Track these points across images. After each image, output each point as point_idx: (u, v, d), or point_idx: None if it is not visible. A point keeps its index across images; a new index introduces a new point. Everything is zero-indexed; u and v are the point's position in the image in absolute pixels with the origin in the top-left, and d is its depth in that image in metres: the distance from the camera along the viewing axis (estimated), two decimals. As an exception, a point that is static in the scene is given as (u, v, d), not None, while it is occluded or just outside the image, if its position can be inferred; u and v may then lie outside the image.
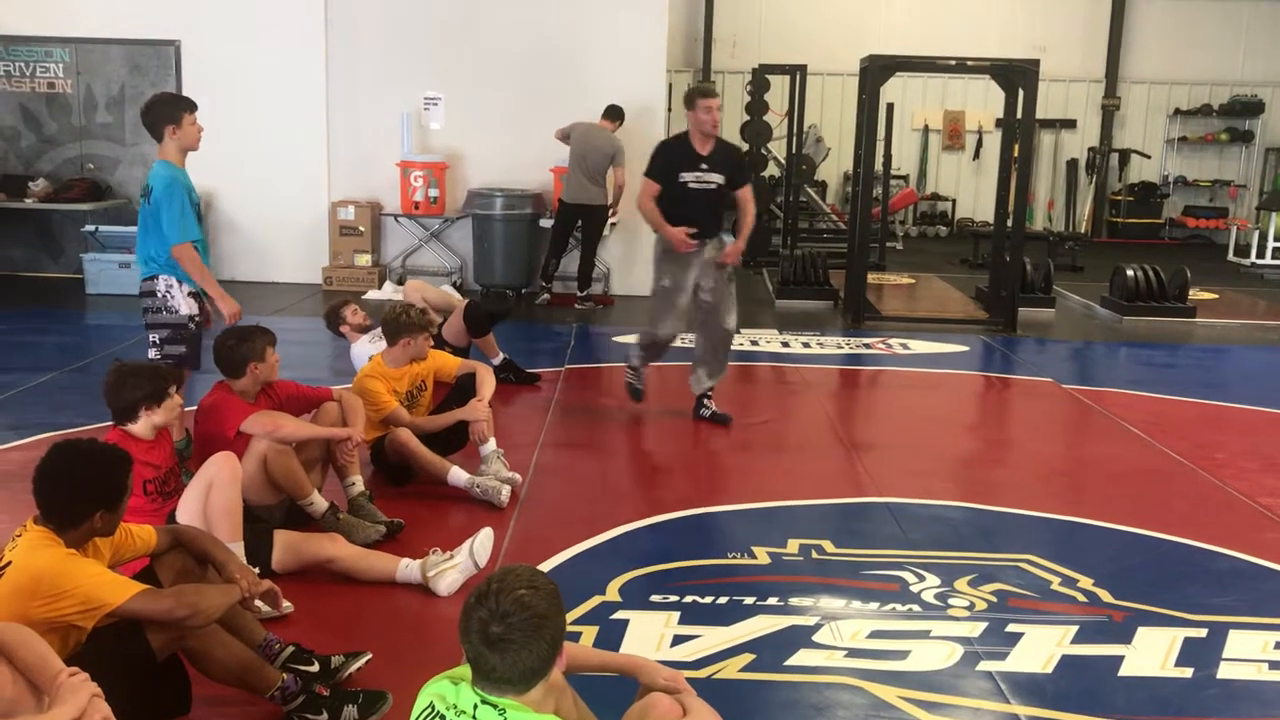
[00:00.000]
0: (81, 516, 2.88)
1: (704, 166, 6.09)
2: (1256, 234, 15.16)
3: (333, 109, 10.89)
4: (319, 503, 4.43)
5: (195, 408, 4.49)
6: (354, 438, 4.62)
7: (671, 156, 6.15)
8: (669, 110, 14.24)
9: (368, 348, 6.39)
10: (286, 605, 3.62)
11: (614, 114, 10.12)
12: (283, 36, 10.69)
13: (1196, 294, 11.25)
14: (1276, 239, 14.87)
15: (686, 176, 6.07)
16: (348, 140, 10.91)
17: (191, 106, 5.07)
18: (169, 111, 5.02)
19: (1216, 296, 11.90)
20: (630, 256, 11.07)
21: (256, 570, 3.41)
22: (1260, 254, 14.88)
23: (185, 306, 5.09)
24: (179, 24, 10.71)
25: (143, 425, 3.83)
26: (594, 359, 8.10)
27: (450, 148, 10.89)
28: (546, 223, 10.68)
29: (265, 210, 10.97)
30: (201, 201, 10.92)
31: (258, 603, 3.22)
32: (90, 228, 10.53)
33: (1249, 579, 4.45)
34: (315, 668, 3.31)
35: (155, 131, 5.03)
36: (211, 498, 3.82)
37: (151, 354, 5.08)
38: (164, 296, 5.06)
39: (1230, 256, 15.43)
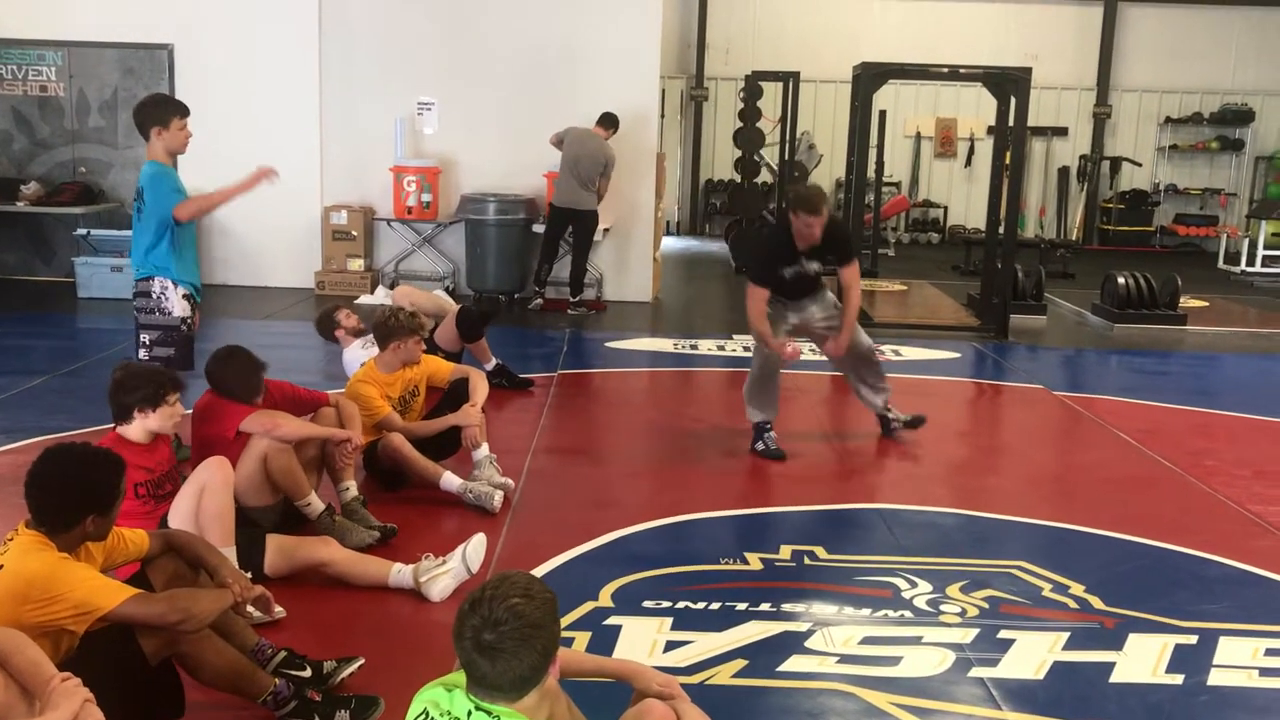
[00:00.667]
0: (73, 520, 2.88)
1: (803, 260, 5.99)
2: (1246, 242, 15.22)
3: (326, 113, 10.89)
4: (316, 504, 4.42)
5: (190, 411, 4.49)
6: (354, 439, 4.62)
7: (774, 261, 6.00)
8: (662, 117, 14.28)
9: (360, 353, 6.39)
10: (279, 610, 3.61)
11: (609, 122, 10.12)
12: (276, 41, 10.69)
13: (1187, 302, 11.29)
14: (1267, 247, 14.94)
15: (787, 271, 6.00)
16: (341, 145, 10.91)
17: (183, 111, 5.08)
18: (158, 113, 5.02)
19: (1207, 304, 11.95)
20: (623, 262, 11.08)
21: (249, 575, 3.40)
22: (1250, 262, 14.94)
23: (179, 309, 5.10)
24: (172, 27, 10.70)
25: (137, 428, 3.82)
26: (587, 364, 8.10)
27: (443, 153, 10.89)
28: (539, 228, 10.68)
29: (258, 214, 10.88)
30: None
31: (250, 608, 3.21)
32: (82, 231, 10.51)
33: (1239, 586, 4.47)
34: (308, 673, 3.30)
35: (143, 131, 5.04)
36: (204, 502, 3.81)
37: (141, 354, 5.09)
38: (158, 298, 5.06)
39: (1221, 264, 15.49)
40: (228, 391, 4.37)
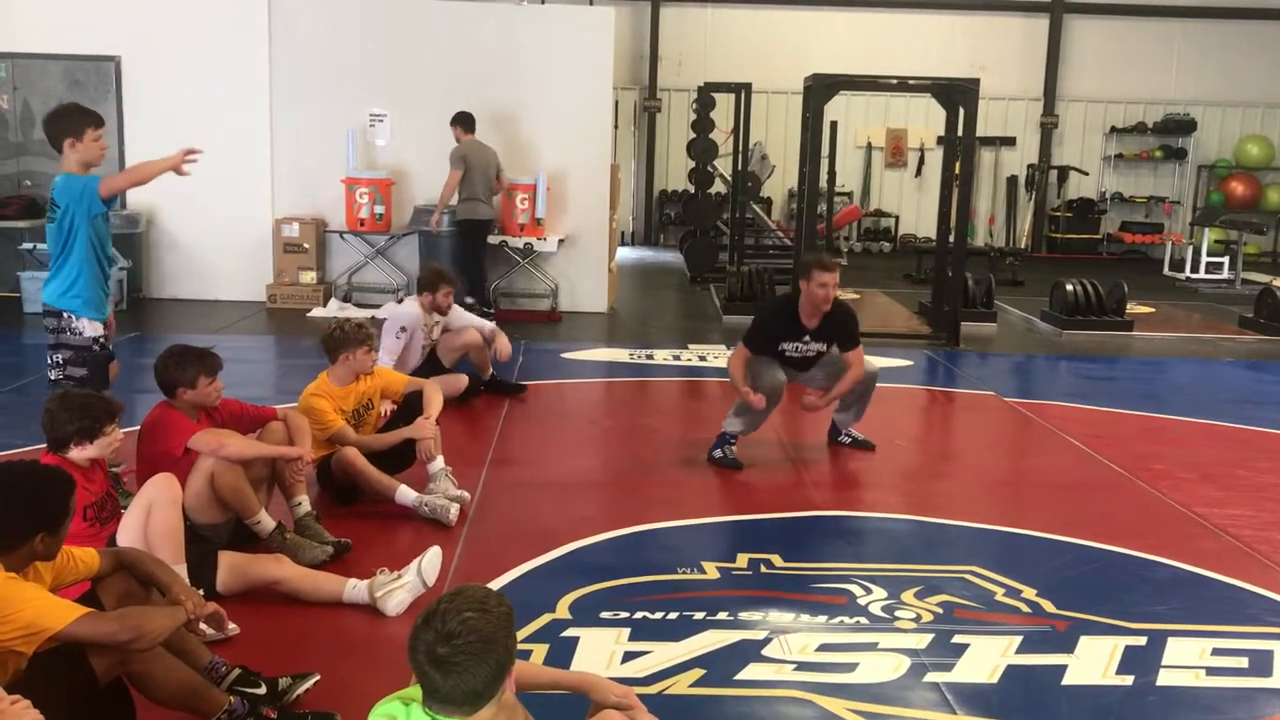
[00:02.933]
0: (21, 539, 2.83)
1: (807, 339, 5.92)
2: (1190, 249, 15.51)
3: (277, 125, 10.81)
4: (267, 522, 4.38)
5: (138, 427, 4.44)
6: (304, 457, 4.58)
7: (776, 332, 5.94)
8: (615, 128, 14.32)
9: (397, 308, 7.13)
10: (232, 627, 3.57)
11: (469, 122, 10.16)
12: (225, 52, 10.61)
13: (1134, 308, 11.47)
14: (1210, 254, 15.23)
15: (787, 347, 5.91)
16: (292, 156, 10.83)
17: (97, 122, 4.91)
18: (71, 124, 4.85)
19: (1153, 310, 12.15)
20: (578, 273, 11.08)
21: (201, 592, 3.37)
22: (1195, 269, 15.23)
23: (89, 329, 4.97)
24: (119, 39, 10.58)
25: (75, 455, 3.74)
26: (543, 375, 8.09)
27: (396, 164, 10.86)
28: (495, 239, 10.67)
29: (208, 228, 10.85)
30: (142, 218, 10.79)
31: (203, 625, 3.18)
32: (27, 246, 10.34)
33: (1187, 587, 4.55)
34: (262, 690, 3.27)
35: (55, 143, 4.87)
36: (152, 519, 3.77)
37: (53, 374, 4.96)
38: (68, 319, 4.94)
39: (1166, 271, 15.77)
40: (165, 385, 4.33)
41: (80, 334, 4.96)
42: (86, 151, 4.87)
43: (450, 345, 7.18)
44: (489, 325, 7.41)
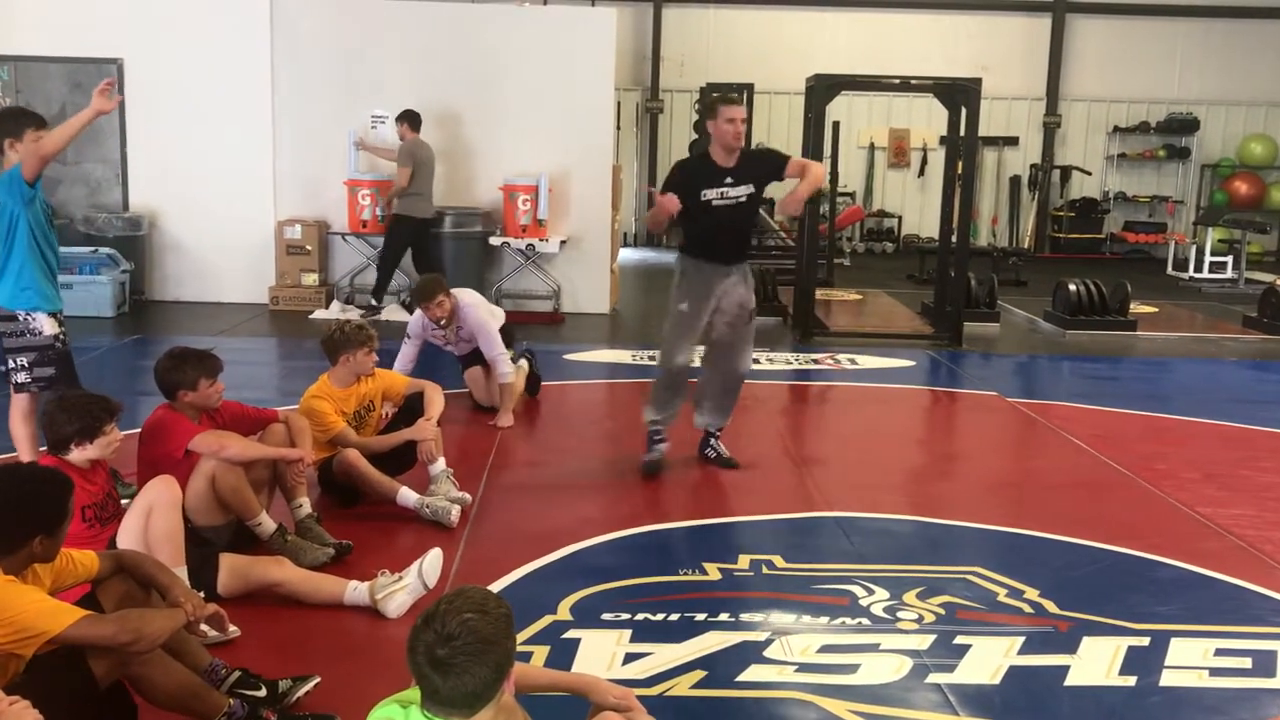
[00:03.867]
0: (20, 542, 2.83)
1: (729, 180, 5.49)
2: (1194, 248, 15.49)
3: (279, 127, 10.81)
4: (267, 524, 4.38)
5: (130, 432, 4.44)
6: (305, 458, 4.58)
7: (690, 171, 5.61)
8: (617, 129, 14.31)
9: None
10: (233, 629, 3.57)
11: (416, 120, 10.15)
12: (228, 54, 10.61)
13: (1137, 308, 11.46)
14: (1213, 253, 15.21)
15: (710, 194, 5.47)
16: (294, 158, 10.83)
17: (39, 123, 4.88)
18: (11, 125, 4.83)
19: (1156, 310, 12.13)
20: (580, 274, 11.08)
21: (202, 594, 3.36)
22: (1198, 268, 15.20)
23: (48, 326, 4.94)
24: (121, 42, 10.58)
25: (75, 457, 3.75)
26: (544, 377, 8.07)
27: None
28: (496, 240, 10.67)
29: (210, 230, 10.85)
30: (144, 220, 10.80)
31: (203, 627, 3.17)
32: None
33: (1190, 587, 4.53)
34: (262, 692, 3.27)
35: None
36: (152, 522, 3.76)
37: (20, 378, 4.92)
38: (25, 319, 4.91)
39: (1169, 270, 15.74)
40: (165, 388, 4.32)
41: (40, 333, 4.93)
42: (26, 152, 4.79)
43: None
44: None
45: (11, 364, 4.97)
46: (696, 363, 5.96)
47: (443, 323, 6.73)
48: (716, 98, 5.60)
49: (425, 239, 10.22)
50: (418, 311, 6.80)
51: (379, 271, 10.37)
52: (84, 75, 10.75)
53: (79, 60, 10.68)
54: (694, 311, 5.68)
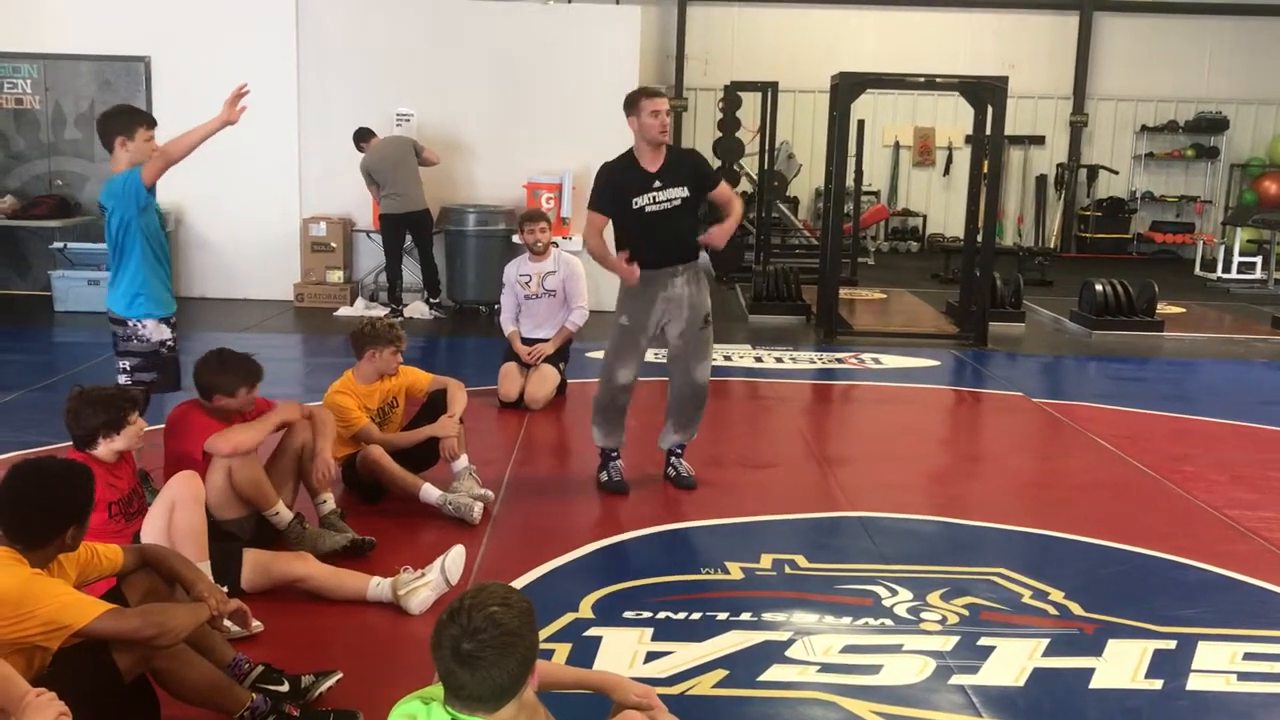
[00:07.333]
0: (52, 534, 2.85)
1: (658, 184, 5.16)
2: (1222, 249, 15.33)
3: (304, 124, 10.86)
4: (284, 513, 4.39)
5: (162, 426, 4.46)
6: (301, 413, 4.58)
7: (616, 180, 5.22)
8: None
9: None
10: (256, 624, 3.59)
11: (365, 134, 10.21)
12: (254, 52, 10.65)
13: (1164, 308, 11.35)
14: (1242, 254, 15.05)
15: (640, 201, 5.15)
16: (319, 156, 10.87)
17: (150, 122, 4.94)
18: (124, 123, 4.88)
19: (1184, 311, 12.03)
20: (603, 273, 10.99)
21: (225, 589, 3.38)
22: (1226, 269, 15.04)
23: (156, 334, 5.00)
24: (149, 40, 10.66)
25: (103, 451, 3.78)
26: (565, 374, 8.07)
27: (422, 163, 10.87)
28: (520, 239, 10.65)
29: (236, 227, 10.92)
30: (171, 217, 10.86)
31: (226, 622, 3.19)
32: (59, 245, 10.45)
33: (1217, 590, 4.49)
34: (285, 687, 3.28)
35: (106, 141, 4.89)
36: (175, 518, 3.78)
37: (121, 379, 4.98)
38: (133, 326, 4.97)
39: (1197, 271, 15.59)
40: (203, 389, 4.33)
41: (147, 339, 5.00)
42: (137, 151, 4.87)
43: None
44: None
45: (118, 365, 5.05)
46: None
47: (538, 247, 7.17)
48: (638, 90, 5.28)
49: (420, 230, 10.23)
50: (511, 261, 7.10)
51: (387, 274, 10.44)
52: (112, 73, 10.84)
53: (107, 58, 10.77)
54: (635, 325, 5.35)
